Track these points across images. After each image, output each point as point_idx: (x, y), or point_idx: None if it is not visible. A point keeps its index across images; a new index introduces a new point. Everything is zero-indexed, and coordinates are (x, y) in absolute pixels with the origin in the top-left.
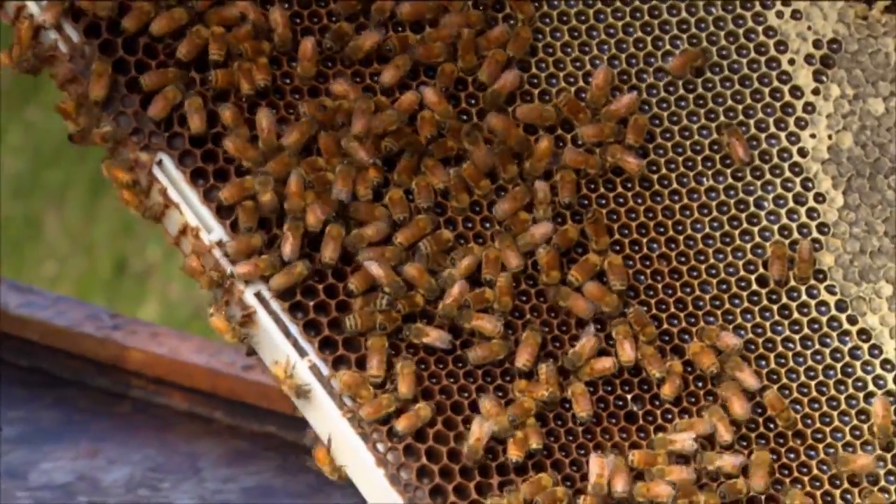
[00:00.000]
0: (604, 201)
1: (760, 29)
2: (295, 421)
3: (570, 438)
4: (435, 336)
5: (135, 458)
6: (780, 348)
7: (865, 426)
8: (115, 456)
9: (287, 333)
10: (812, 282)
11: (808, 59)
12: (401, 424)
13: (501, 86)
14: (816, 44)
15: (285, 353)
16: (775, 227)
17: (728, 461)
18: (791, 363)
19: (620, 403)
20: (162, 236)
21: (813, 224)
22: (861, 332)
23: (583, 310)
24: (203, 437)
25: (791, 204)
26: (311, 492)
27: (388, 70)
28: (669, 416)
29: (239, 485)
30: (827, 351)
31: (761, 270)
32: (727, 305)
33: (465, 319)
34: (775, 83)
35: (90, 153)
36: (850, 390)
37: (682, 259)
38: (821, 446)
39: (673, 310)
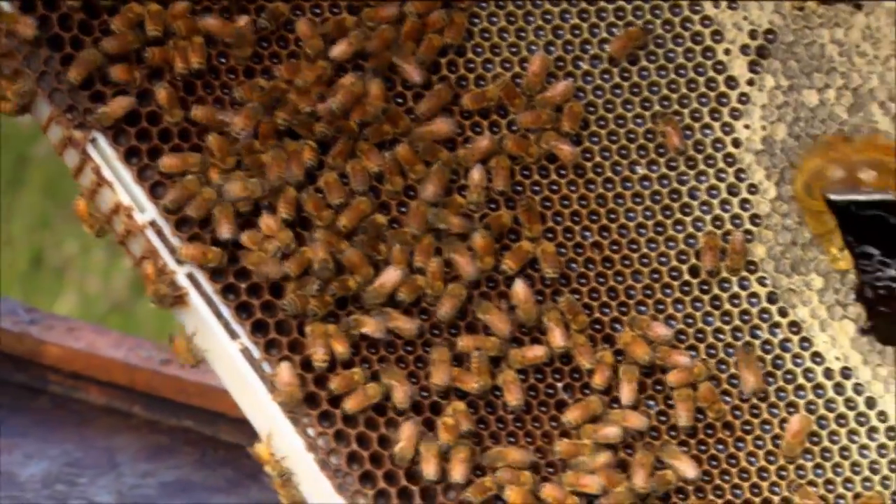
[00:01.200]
0: (537, 188)
1: (697, 18)
2: (213, 416)
3: (501, 426)
4: (373, 327)
5: (52, 453)
6: (710, 339)
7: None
8: (32, 451)
9: (219, 315)
10: (744, 273)
11: (744, 49)
12: (349, 403)
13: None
14: (752, 34)
15: (218, 337)
16: (708, 218)
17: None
18: (722, 354)
19: (551, 392)
20: (80, 230)
21: (746, 215)
22: (792, 324)
23: (501, 329)
24: (121, 431)
25: (724, 194)
26: (230, 486)
27: (341, 45)
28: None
29: (157, 479)
30: (757, 343)
31: (693, 261)
32: (659, 295)
33: (385, 319)
34: (710, 73)
35: (5, 147)
36: (780, 382)
37: (615, 248)
38: (749, 438)
39: (605, 298)
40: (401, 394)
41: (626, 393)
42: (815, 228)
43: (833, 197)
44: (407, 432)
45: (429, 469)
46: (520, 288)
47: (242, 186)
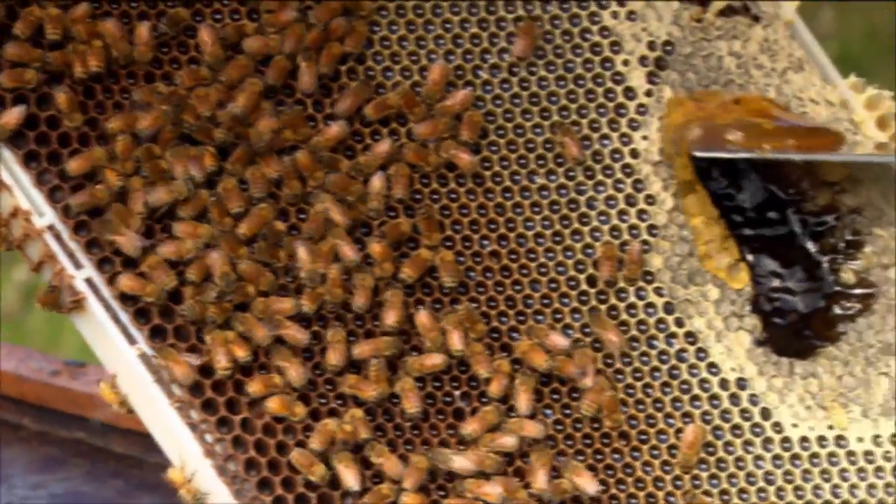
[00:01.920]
0: (436, 197)
1: (596, 28)
2: (104, 427)
3: (398, 434)
4: (261, 333)
5: None
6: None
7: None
8: None
9: (117, 320)
10: (640, 283)
11: (642, 60)
12: (272, 403)
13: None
14: (651, 45)
15: (116, 342)
16: (606, 228)
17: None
18: (618, 364)
19: (449, 400)
20: None
21: (643, 225)
22: (688, 334)
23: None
24: (11, 443)
25: (622, 205)
26: (120, 497)
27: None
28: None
29: (48, 491)
30: (654, 353)
31: (591, 270)
32: (556, 304)
33: (275, 326)
34: (609, 83)
35: None
36: (676, 393)
37: (513, 257)
38: (645, 448)
39: (503, 307)
40: (294, 373)
41: (523, 402)
42: (709, 235)
43: (698, 153)
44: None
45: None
46: (424, 317)
47: (167, 191)
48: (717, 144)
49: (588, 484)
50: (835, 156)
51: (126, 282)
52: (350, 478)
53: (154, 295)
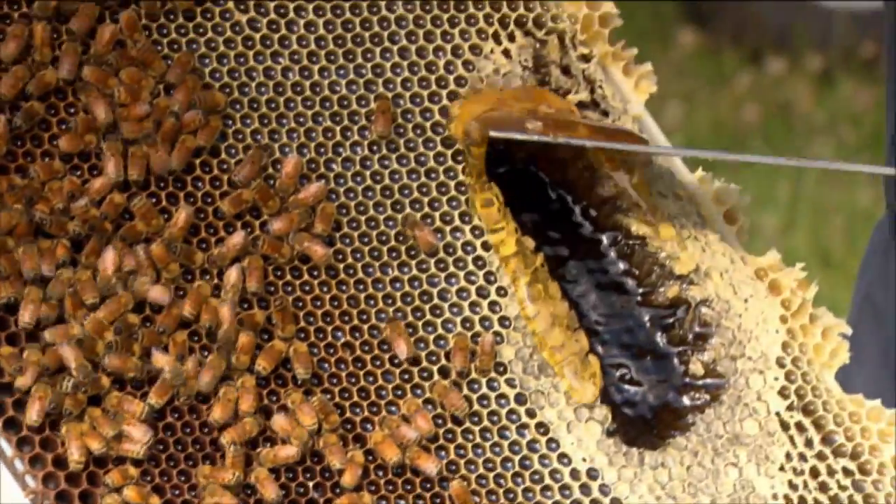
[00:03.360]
0: (290, 288)
1: (447, 122)
2: None
3: None
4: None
5: None
6: (460, 439)
7: None
8: None
9: None
10: (493, 374)
11: None
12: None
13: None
14: None
15: None
16: (458, 320)
17: None
18: (471, 454)
19: (301, 490)
20: None
21: (495, 317)
22: (539, 425)
23: (219, 415)
24: None
25: (474, 297)
26: None
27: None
28: None
29: None
30: (506, 443)
31: (443, 361)
32: (410, 395)
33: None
34: (461, 176)
35: None
36: (527, 483)
37: (366, 348)
38: None
39: (356, 398)
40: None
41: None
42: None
43: (494, 134)
44: None
45: None
46: (281, 421)
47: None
48: (513, 127)
49: (430, 466)
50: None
51: None
52: None
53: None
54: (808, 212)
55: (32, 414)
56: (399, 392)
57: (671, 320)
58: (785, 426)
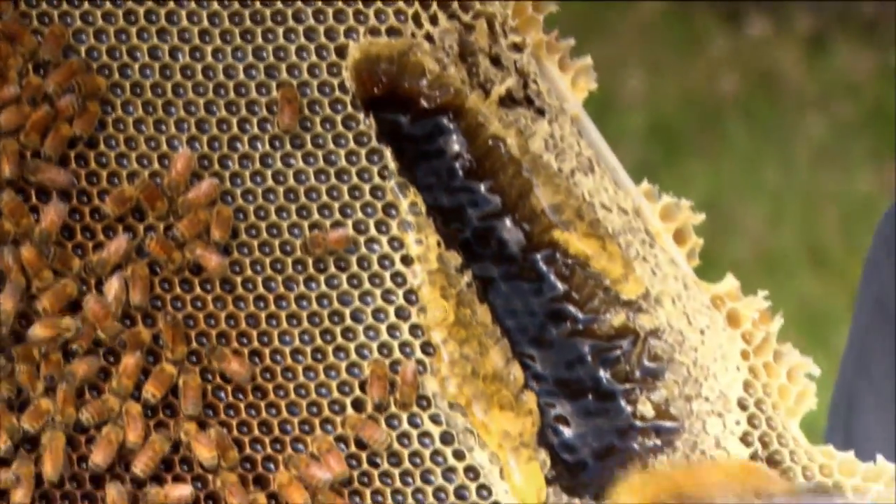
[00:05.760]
0: (179, 304)
1: (362, 117)
2: None
3: None
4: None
5: None
6: (377, 483)
7: None
8: None
9: None
10: (415, 409)
11: None
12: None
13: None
14: None
15: None
16: (374, 345)
17: None
18: (389, 501)
19: None
20: None
21: (417, 343)
22: (468, 469)
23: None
24: None
25: (392, 318)
26: None
27: None
28: None
29: None
30: (430, 489)
31: (358, 392)
32: (318, 431)
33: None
34: (376, 179)
35: None
36: None
37: (268, 376)
38: None
39: (257, 433)
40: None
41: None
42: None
43: None
44: None
45: None
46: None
47: None
48: None
49: None
50: None
51: None
52: None
53: None
54: (799, 201)
55: None
56: (306, 427)
57: (617, 353)
58: None
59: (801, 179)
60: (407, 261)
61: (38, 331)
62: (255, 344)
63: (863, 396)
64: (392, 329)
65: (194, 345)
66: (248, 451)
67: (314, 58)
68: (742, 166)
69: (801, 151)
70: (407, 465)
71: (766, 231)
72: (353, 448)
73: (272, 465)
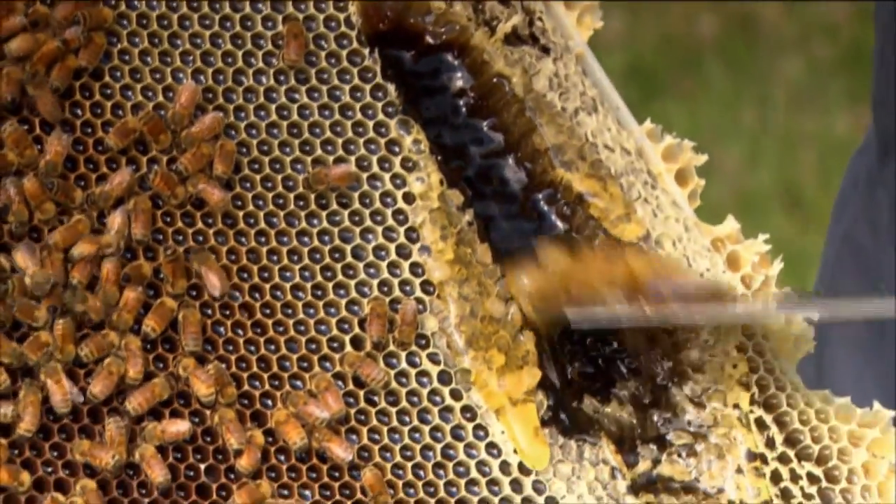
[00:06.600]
0: (181, 237)
1: (367, 52)
2: None
3: None
4: None
5: None
6: (374, 422)
7: None
8: None
9: None
10: (413, 348)
11: None
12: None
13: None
14: None
15: None
16: (374, 282)
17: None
18: (386, 440)
19: (192, 474)
20: None
21: (417, 281)
22: (465, 409)
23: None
24: None
25: (393, 256)
26: None
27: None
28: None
29: None
30: (427, 429)
31: (357, 330)
32: (316, 368)
33: None
34: (380, 116)
35: None
36: (451, 476)
37: (267, 311)
38: None
39: (255, 369)
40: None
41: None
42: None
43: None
44: None
45: None
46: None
47: None
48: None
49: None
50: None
51: None
52: None
53: None
54: (776, 142)
55: None
56: (305, 364)
57: None
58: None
59: (778, 121)
60: (409, 198)
61: (80, 247)
62: (256, 279)
63: (832, 329)
64: (393, 266)
65: (194, 280)
66: (245, 386)
67: None
68: (720, 108)
69: (779, 93)
70: (404, 404)
71: (743, 172)
72: (350, 386)
73: (269, 402)
